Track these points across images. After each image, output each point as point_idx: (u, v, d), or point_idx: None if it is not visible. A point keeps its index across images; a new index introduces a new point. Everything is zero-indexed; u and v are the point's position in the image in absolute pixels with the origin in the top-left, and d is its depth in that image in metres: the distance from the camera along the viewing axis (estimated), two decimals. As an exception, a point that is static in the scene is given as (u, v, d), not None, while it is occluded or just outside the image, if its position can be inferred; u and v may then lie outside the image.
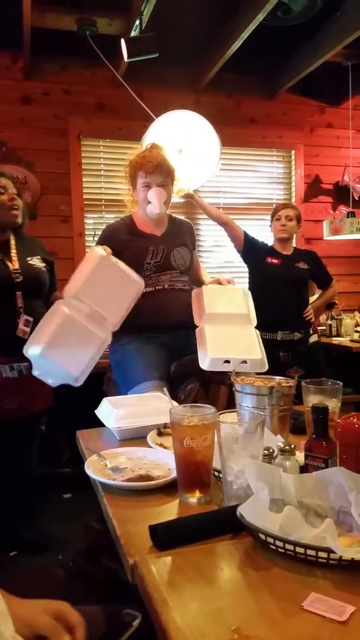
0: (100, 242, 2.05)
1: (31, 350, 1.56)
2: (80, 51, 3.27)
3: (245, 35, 3.09)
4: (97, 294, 1.67)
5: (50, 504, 2.71)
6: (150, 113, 3.14)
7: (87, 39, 3.16)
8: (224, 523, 0.85)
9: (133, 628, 0.70)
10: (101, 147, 3.87)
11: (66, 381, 1.59)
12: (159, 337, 2.04)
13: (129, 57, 2.95)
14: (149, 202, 2.04)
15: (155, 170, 2.00)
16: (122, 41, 2.96)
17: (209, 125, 3.01)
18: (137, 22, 2.92)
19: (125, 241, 2.08)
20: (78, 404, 2.15)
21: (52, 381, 1.65)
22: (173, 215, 2.27)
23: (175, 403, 1.43)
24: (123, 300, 1.72)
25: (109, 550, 1.93)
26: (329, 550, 0.73)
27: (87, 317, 1.63)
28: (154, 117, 3.07)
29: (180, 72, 3.79)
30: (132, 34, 3.01)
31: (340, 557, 0.73)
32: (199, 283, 2.29)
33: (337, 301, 3.86)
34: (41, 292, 2.25)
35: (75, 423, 1.58)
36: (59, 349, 1.55)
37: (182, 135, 2.81)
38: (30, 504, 2.33)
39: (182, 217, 2.37)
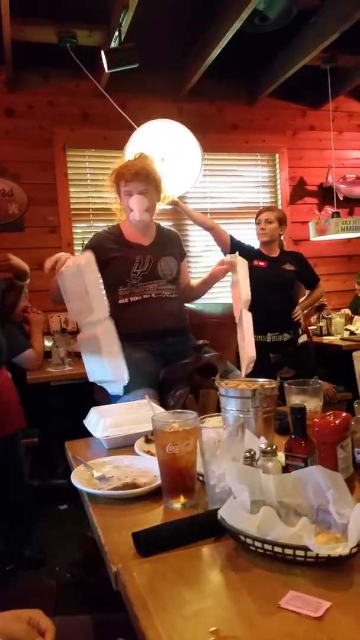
0: (86, 248, 2.10)
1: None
2: (63, 63, 3.30)
3: (223, 43, 3.13)
4: (80, 296, 1.75)
5: (45, 515, 2.71)
6: (132, 122, 3.17)
7: (68, 51, 3.19)
8: (206, 527, 0.87)
9: None
10: (87, 157, 3.90)
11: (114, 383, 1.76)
12: (147, 344, 2.06)
13: (109, 68, 2.99)
14: (131, 210, 2.06)
15: (134, 178, 2.02)
16: (102, 53, 2.99)
17: (190, 132, 3.05)
18: (117, 33, 2.96)
19: (111, 250, 2.10)
20: (70, 415, 2.16)
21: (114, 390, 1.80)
22: (161, 225, 2.29)
23: (158, 409, 1.45)
24: (94, 290, 1.76)
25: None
26: (305, 549, 0.75)
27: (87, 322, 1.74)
28: (136, 127, 3.10)
29: (162, 81, 3.83)
30: (112, 45, 3.04)
31: (317, 554, 0.75)
32: (189, 290, 2.31)
33: (325, 302, 3.90)
34: None
35: (68, 434, 1.60)
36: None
37: (163, 143, 2.85)
38: (26, 519, 2.33)
39: (169, 227, 2.37)
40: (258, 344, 3.01)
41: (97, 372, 1.77)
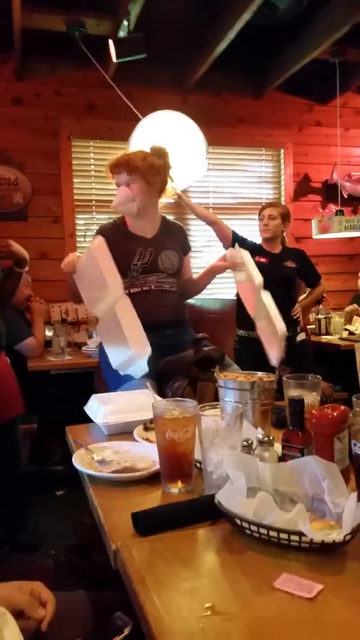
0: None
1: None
2: (71, 52, 3.30)
3: (231, 34, 3.13)
4: (94, 287, 1.78)
5: (42, 500, 2.74)
6: (137, 113, 3.18)
7: (76, 39, 3.19)
8: (203, 510, 0.89)
9: (124, 634, 0.74)
10: (91, 148, 3.90)
11: (138, 357, 1.72)
12: (146, 335, 2.07)
13: (117, 58, 3.00)
14: None
15: (115, 170, 2.05)
16: (110, 42, 2.99)
17: (195, 125, 3.05)
18: (125, 22, 2.96)
19: (114, 241, 2.11)
20: (69, 403, 2.18)
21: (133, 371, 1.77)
22: (167, 218, 2.29)
23: (158, 397, 1.47)
24: (106, 263, 1.78)
25: (100, 544, 1.97)
26: (300, 534, 0.77)
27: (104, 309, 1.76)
28: (140, 117, 3.11)
29: (168, 72, 3.83)
30: (121, 34, 3.04)
31: (311, 539, 0.77)
32: (190, 284, 2.32)
33: (325, 296, 3.91)
34: None
35: (66, 422, 1.62)
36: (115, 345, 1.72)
37: (168, 135, 2.85)
38: (23, 505, 2.36)
39: (175, 221, 2.37)
40: (256, 341, 3.05)
41: (120, 353, 1.73)
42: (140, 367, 1.76)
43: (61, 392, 2.92)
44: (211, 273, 2.22)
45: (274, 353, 1.98)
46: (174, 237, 2.20)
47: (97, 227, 2.26)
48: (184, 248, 2.26)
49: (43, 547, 2.30)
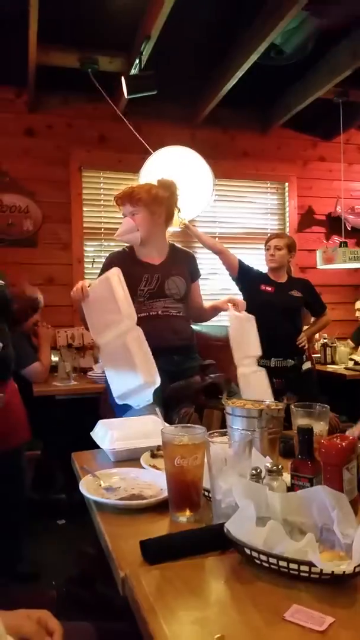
0: (102, 270, 2.17)
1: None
2: (83, 86, 3.41)
3: (239, 74, 3.24)
4: (105, 313, 1.82)
5: (44, 530, 2.70)
6: (148, 147, 3.26)
7: (89, 75, 3.30)
8: (212, 539, 0.88)
9: None
10: (101, 178, 3.99)
11: (145, 389, 1.75)
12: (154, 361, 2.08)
13: (129, 93, 3.09)
14: None
15: (120, 202, 2.15)
16: (123, 79, 3.10)
17: (202, 159, 3.13)
18: (137, 60, 3.06)
19: (122, 268, 2.15)
20: (72, 429, 2.17)
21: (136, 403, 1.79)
22: (176, 245, 2.34)
23: (167, 423, 1.46)
24: (122, 294, 1.83)
25: (103, 575, 1.93)
26: (310, 564, 0.77)
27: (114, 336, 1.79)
28: (151, 151, 3.19)
29: (177, 108, 3.94)
30: (133, 71, 3.15)
31: (321, 570, 0.76)
32: (201, 311, 2.35)
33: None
34: (7, 313, 2.20)
35: (69, 448, 1.62)
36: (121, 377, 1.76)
37: (176, 169, 2.93)
38: (20, 534, 2.32)
39: (184, 248, 2.41)
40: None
41: (125, 381, 1.75)
42: (144, 397, 1.78)
43: (65, 418, 2.91)
44: (215, 310, 2.33)
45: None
46: (181, 264, 2.24)
47: (106, 255, 2.31)
48: (192, 274, 2.29)
49: (42, 578, 2.26)
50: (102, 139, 3.94)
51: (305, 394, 3.07)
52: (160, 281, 2.13)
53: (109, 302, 1.80)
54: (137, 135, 3.34)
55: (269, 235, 3.45)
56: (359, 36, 3.11)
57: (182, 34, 3.02)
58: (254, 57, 3.04)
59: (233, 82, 3.34)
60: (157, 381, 1.74)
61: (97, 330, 1.91)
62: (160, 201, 2.13)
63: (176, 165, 2.97)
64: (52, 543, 2.58)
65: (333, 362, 3.88)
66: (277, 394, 3.04)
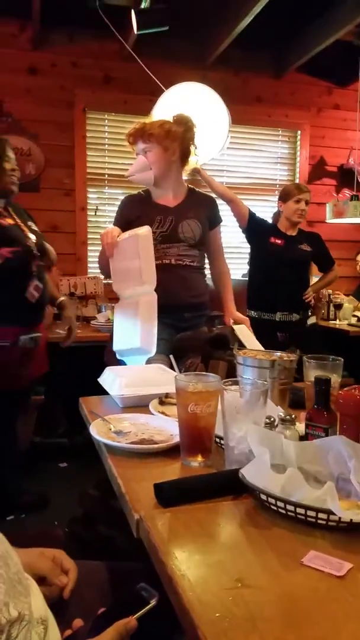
0: (117, 212, 2.15)
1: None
2: (89, 22, 3.22)
3: (257, 9, 3.04)
4: (126, 273, 1.85)
5: (46, 472, 2.75)
6: (160, 84, 3.11)
7: (96, 9, 3.10)
8: (226, 484, 0.87)
9: (151, 605, 0.71)
10: (106, 121, 3.84)
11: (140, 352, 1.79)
12: (163, 316, 2.05)
13: (138, 29, 2.92)
14: None
15: (132, 138, 2.06)
16: (133, 12, 2.91)
17: (219, 98, 2.97)
18: (148, -7, 2.87)
19: (135, 210, 2.11)
20: (75, 376, 2.19)
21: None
22: (196, 189, 2.24)
23: (174, 374, 1.45)
24: (147, 258, 1.82)
25: (105, 517, 1.97)
26: (328, 512, 0.76)
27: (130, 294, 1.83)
28: (164, 89, 3.03)
29: (187, 48, 3.74)
30: (143, 5, 2.96)
31: (340, 518, 0.75)
32: (217, 271, 2.29)
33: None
34: (46, 256, 2.25)
35: (72, 395, 1.61)
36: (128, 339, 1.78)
37: (191, 107, 2.78)
38: (8, 462, 2.36)
39: (205, 192, 2.30)
40: (266, 322, 3.03)
41: (125, 339, 1.78)
42: (137, 361, 1.82)
43: (67, 365, 2.91)
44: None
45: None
46: (198, 207, 2.15)
47: (109, 203, 2.27)
48: (211, 219, 2.19)
49: (47, 517, 2.31)
50: (108, 79, 3.76)
51: (308, 348, 3.06)
52: (173, 224, 2.06)
53: (135, 259, 1.80)
54: (149, 72, 3.17)
55: (292, 185, 3.25)
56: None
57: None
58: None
59: (249, 19, 3.14)
60: (153, 351, 1.77)
61: (118, 281, 1.93)
62: (174, 136, 2.03)
63: (191, 102, 2.83)
64: (55, 485, 2.63)
65: (337, 318, 3.85)
66: (281, 348, 3.04)
